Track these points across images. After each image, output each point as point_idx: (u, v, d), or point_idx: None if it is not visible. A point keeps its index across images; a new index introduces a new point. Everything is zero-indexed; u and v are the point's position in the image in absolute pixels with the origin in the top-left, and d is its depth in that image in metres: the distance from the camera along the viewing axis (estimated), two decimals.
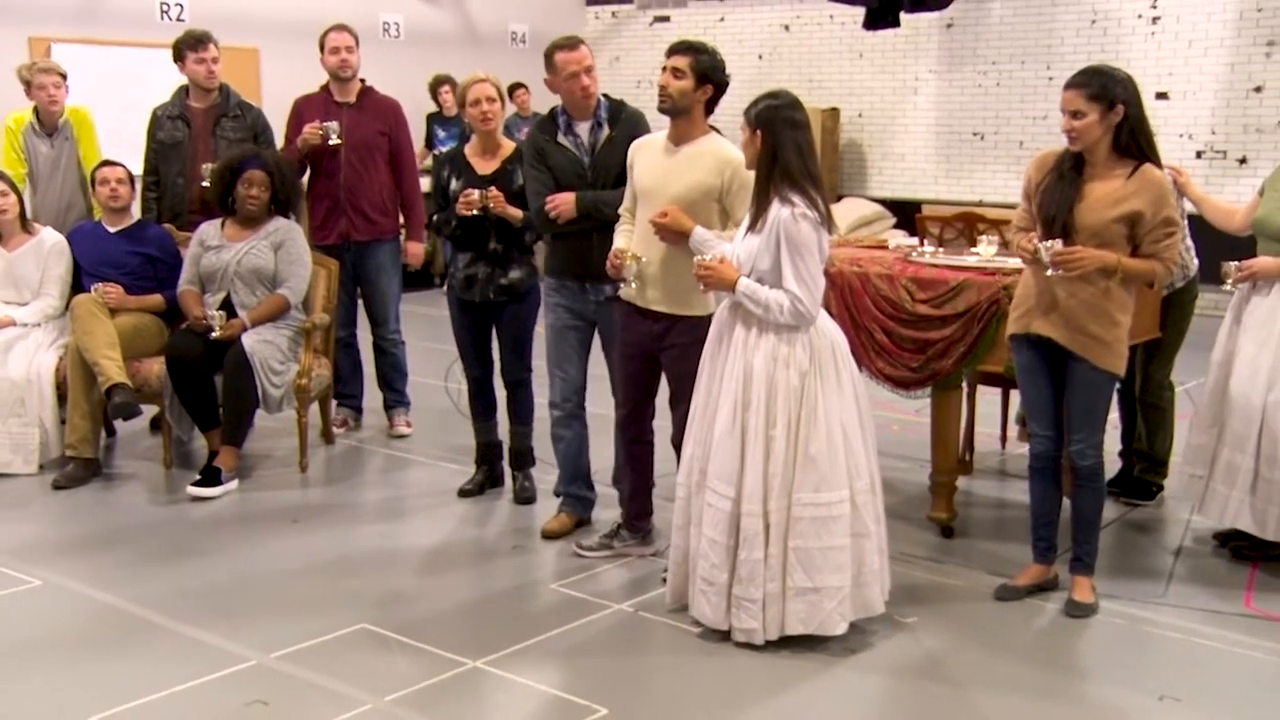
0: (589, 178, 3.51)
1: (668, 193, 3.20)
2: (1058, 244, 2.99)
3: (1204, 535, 3.75)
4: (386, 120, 4.65)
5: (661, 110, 3.26)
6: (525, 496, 4.04)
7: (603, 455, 3.78)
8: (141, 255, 4.48)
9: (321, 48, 4.67)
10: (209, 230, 4.37)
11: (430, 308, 7.16)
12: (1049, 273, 3.03)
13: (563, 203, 3.46)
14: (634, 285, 3.24)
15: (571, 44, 3.51)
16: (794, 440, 2.87)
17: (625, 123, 3.55)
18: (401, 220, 4.86)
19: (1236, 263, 3.43)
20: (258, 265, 4.30)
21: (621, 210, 3.43)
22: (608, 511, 3.76)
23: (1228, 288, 3.49)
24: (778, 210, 2.86)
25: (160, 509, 4.02)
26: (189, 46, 4.69)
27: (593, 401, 3.74)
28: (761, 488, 2.88)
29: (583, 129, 3.54)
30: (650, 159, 3.30)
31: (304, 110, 4.70)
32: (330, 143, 4.57)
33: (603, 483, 3.81)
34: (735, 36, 9.39)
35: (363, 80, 4.73)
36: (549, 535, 3.69)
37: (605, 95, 3.58)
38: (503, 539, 3.75)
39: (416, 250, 4.84)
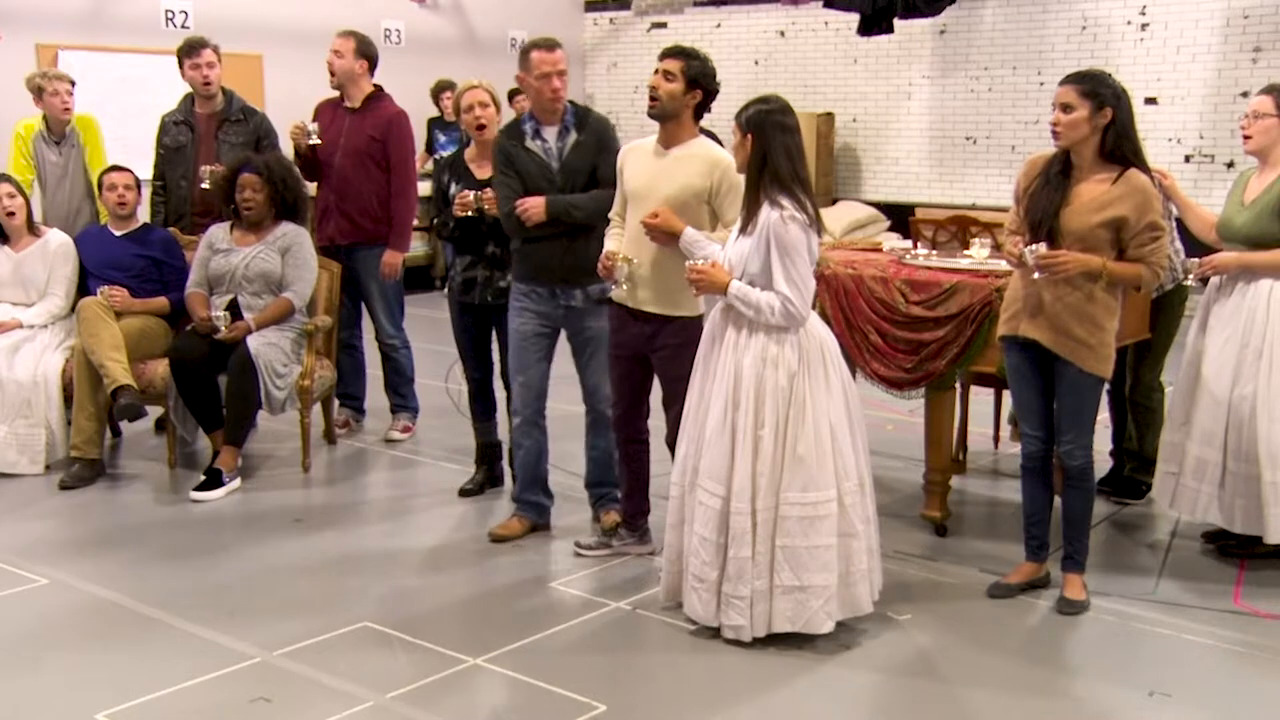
0: (558, 182, 3.51)
1: (657, 195, 3.24)
2: (1042, 247, 3.04)
3: (1193, 533, 3.79)
4: (380, 128, 4.65)
5: (651, 115, 3.30)
6: None
7: (578, 457, 3.78)
8: (147, 258, 4.52)
9: None
10: (218, 233, 4.41)
11: (431, 310, 7.20)
12: (1034, 276, 3.08)
13: (532, 206, 3.45)
14: (625, 287, 3.28)
15: (549, 45, 3.51)
16: (782, 440, 2.91)
17: (593, 126, 3.55)
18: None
19: (1198, 258, 3.53)
20: (265, 269, 4.34)
21: (612, 214, 3.47)
22: (571, 517, 3.79)
23: (1190, 281, 3.58)
24: (767, 213, 2.90)
25: (165, 509, 4.05)
26: (184, 54, 4.75)
27: (572, 402, 3.76)
28: (750, 486, 2.92)
29: (550, 133, 3.54)
30: (640, 162, 3.35)
31: (318, 113, 4.75)
32: (310, 142, 4.62)
33: (572, 486, 3.82)
34: (732, 42, 9.46)
35: (378, 87, 4.75)
36: (497, 539, 3.69)
37: (572, 101, 3.59)
38: None
39: (392, 260, 4.65)
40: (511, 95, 8.66)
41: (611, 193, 3.49)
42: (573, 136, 3.53)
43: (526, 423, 3.68)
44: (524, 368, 3.64)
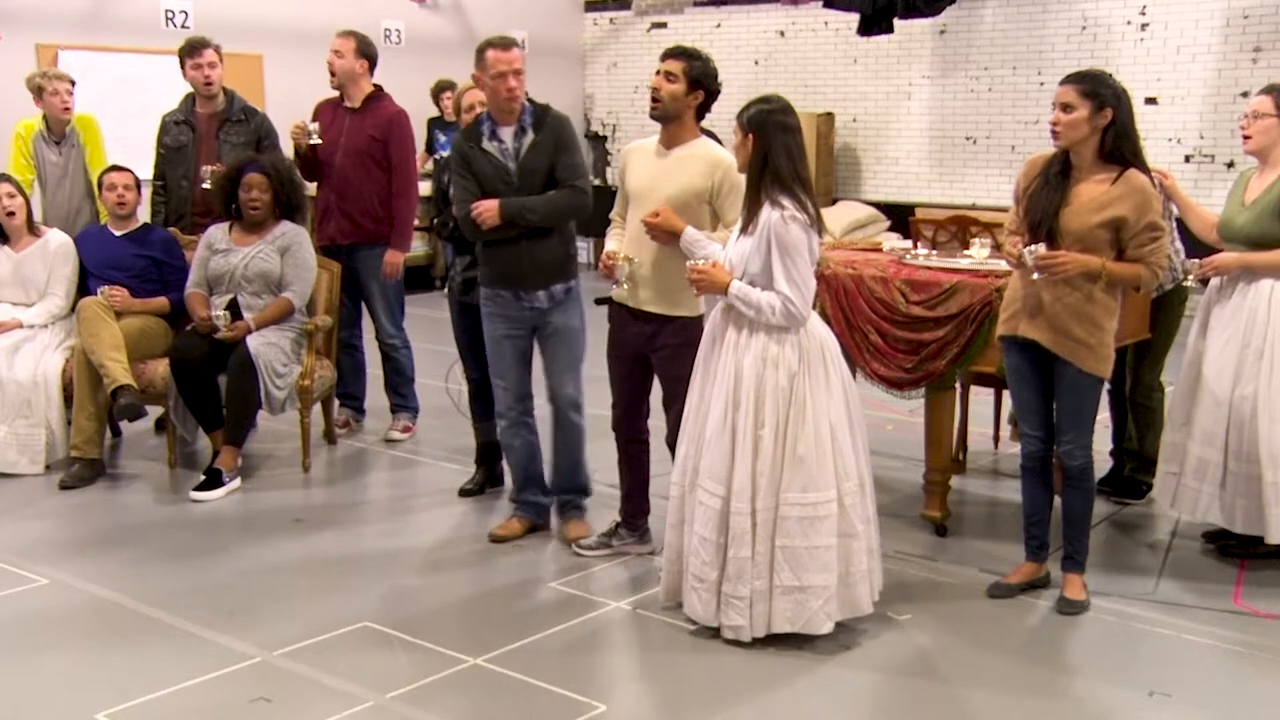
0: (515, 184, 3.47)
1: (659, 195, 3.25)
2: (1041, 248, 3.04)
3: (1193, 533, 3.79)
4: (382, 127, 4.65)
5: (653, 115, 3.30)
6: None
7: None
8: (147, 258, 4.52)
9: None
10: (216, 234, 4.41)
11: (431, 310, 7.20)
12: (1033, 276, 3.08)
13: (486, 209, 3.42)
14: (626, 287, 3.28)
15: (505, 44, 3.47)
16: (782, 440, 2.91)
17: (550, 126, 3.50)
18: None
19: (1199, 259, 3.53)
20: (264, 269, 4.34)
21: (613, 214, 3.47)
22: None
23: (1190, 282, 3.59)
24: (768, 213, 2.90)
25: (165, 509, 4.05)
26: (186, 53, 4.76)
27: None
28: (750, 486, 2.92)
29: (507, 134, 3.49)
30: (642, 163, 3.35)
31: (318, 113, 4.75)
32: (311, 142, 4.62)
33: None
34: (732, 43, 9.46)
35: (378, 87, 4.75)
36: (497, 539, 3.69)
37: (530, 100, 3.55)
38: None
39: (394, 260, 4.69)
40: None
41: (568, 194, 3.47)
42: (529, 137, 3.48)
43: (513, 425, 3.68)
44: (502, 371, 3.64)
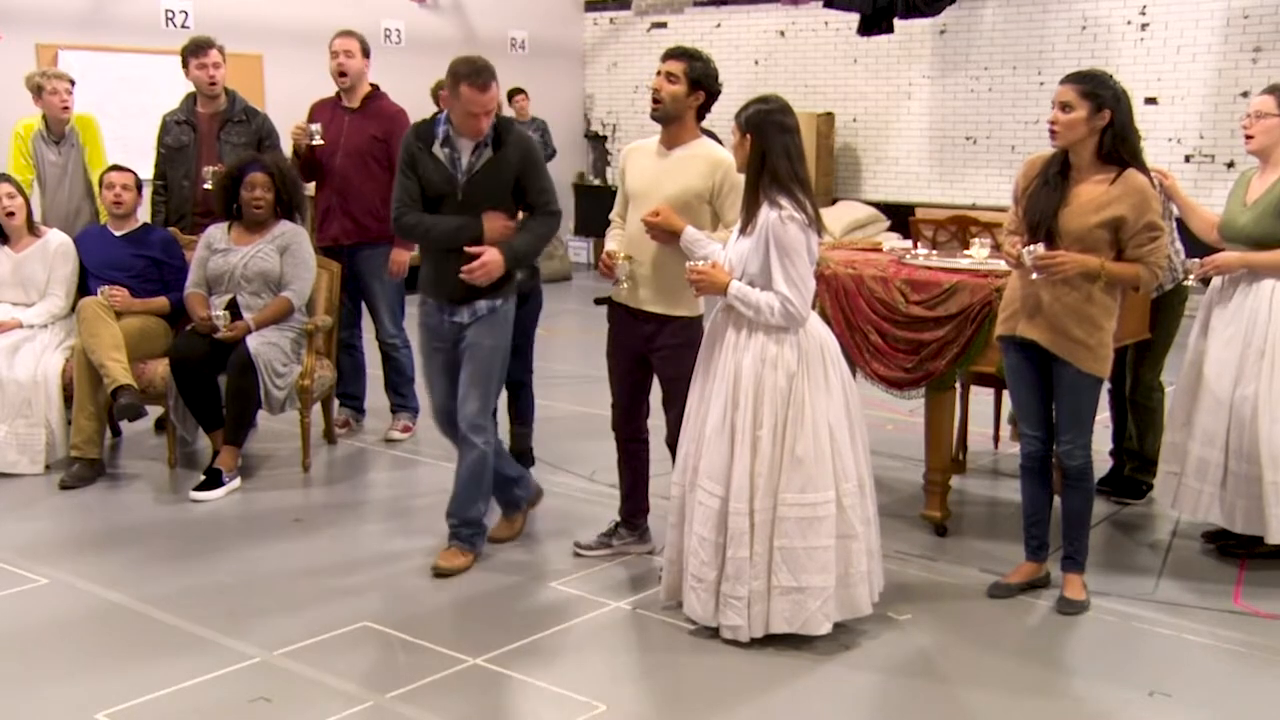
0: (459, 196, 3.37)
1: (659, 195, 3.25)
2: (1040, 248, 3.04)
3: (1193, 533, 3.79)
4: (384, 127, 4.66)
5: (654, 116, 3.29)
6: None
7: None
8: (147, 258, 4.52)
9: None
10: (216, 234, 4.41)
11: None
12: (1032, 276, 3.09)
13: (493, 264, 3.29)
14: (626, 286, 3.29)
15: (482, 82, 3.23)
16: (781, 441, 2.91)
17: (513, 146, 3.38)
18: None
19: (1199, 258, 3.54)
20: (264, 269, 4.34)
21: (613, 215, 3.47)
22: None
23: (1191, 281, 3.60)
24: (766, 213, 2.90)
25: (165, 508, 4.05)
26: (190, 53, 4.76)
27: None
28: (749, 487, 2.91)
29: (464, 145, 3.36)
30: (642, 163, 3.35)
31: (315, 113, 4.75)
32: (313, 143, 4.62)
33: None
34: (731, 42, 9.46)
35: (375, 86, 4.76)
36: (496, 540, 3.66)
37: (498, 115, 3.42)
38: None
39: (399, 259, 4.68)
40: (511, 95, 8.66)
41: (546, 220, 3.41)
42: (488, 153, 3.37)
43: (455, 439, 3.50)
44: (428, 383, 3.55)
